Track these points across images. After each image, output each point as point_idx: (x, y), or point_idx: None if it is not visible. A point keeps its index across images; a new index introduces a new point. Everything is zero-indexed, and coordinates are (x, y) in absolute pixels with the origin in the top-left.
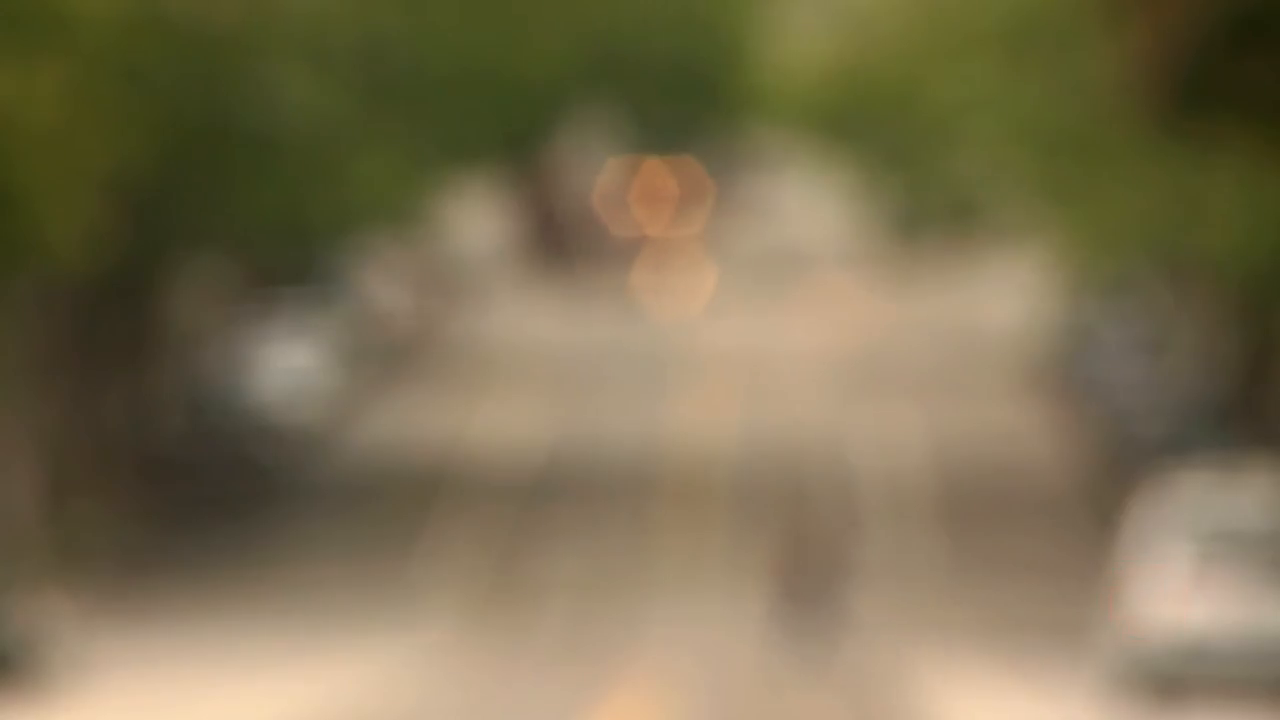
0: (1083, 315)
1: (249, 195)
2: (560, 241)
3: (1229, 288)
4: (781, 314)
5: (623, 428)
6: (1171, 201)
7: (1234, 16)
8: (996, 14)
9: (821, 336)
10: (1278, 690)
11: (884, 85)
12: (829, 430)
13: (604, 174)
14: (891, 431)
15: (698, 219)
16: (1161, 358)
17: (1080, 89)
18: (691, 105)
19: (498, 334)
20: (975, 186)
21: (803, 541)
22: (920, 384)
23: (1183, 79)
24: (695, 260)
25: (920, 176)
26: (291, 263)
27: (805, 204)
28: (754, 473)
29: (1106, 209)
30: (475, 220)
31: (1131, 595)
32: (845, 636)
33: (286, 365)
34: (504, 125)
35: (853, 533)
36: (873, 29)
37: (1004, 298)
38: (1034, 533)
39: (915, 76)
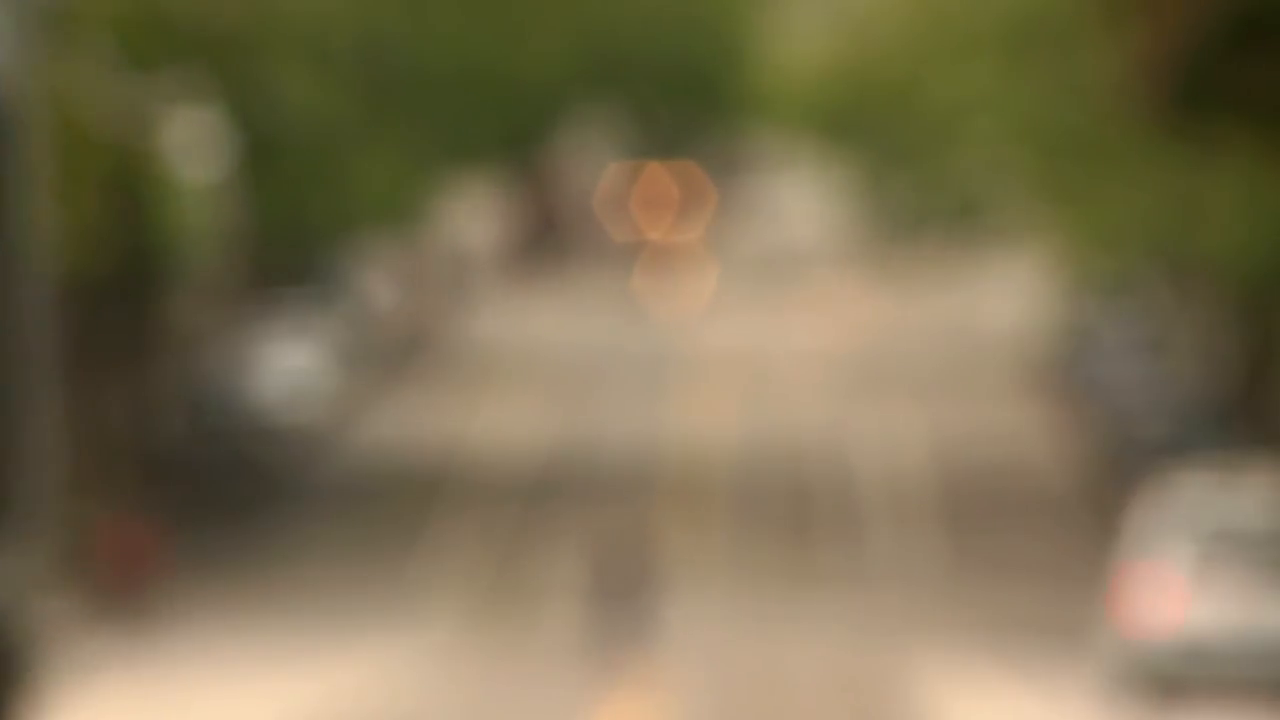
0: (1083, 315)
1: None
2: (559, 243)
3: (1229, 288)
4: (782, 315)
5: (623, 429)
6: (1171, 201)
7: (1234, 17)
8: (996, 14)
9: (822, 337)
10: (1278, 690)
11: (884, 85)
12: (829, 431)
13: (605, 178)
14: (892, 432)
15: (699, 223)
16: (1161, 358)
17: (1080, 89)
18: (692, 106)
19: (498, 334)
20: (975, 186)
21: (614, 544)
22: (921, 384)
23: (1183, 79)
24: (696, 263)
25: (920, 176)
26: (291, 263)
27: (805, 205)
28: (754, 474)
29: (1106, 209)
30: (475, 220)
31: (1131, 595)
32: (655, 632)
33: (287, 366)
34: (504, 125)
35: (653, 536)
36: (873, 29)
37: (1004, 298)
38: (1034, 533)
39: (915, 76)
